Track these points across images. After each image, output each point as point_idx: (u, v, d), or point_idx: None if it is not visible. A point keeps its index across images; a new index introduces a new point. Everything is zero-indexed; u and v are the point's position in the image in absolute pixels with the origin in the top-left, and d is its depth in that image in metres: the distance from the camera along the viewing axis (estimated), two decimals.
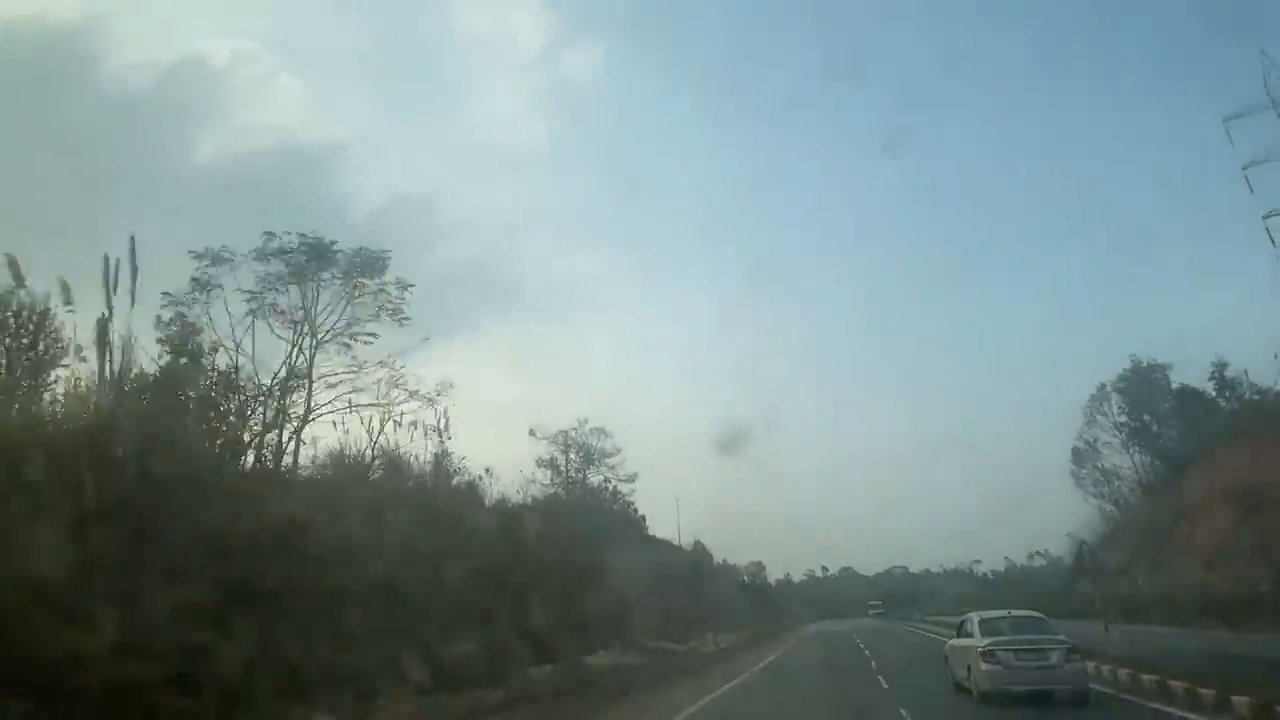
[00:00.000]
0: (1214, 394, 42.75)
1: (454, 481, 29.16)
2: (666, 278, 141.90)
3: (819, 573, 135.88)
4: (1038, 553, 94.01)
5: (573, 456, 56.43)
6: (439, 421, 25.08)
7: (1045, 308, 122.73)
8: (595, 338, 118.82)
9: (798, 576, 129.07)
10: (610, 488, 55.97)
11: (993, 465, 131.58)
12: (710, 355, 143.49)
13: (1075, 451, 51.91)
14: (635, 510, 58.30)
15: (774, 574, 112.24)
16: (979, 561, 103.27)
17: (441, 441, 25.48)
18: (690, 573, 62.43)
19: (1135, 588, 36.88)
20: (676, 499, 73.25)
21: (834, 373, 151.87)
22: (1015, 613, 16.49)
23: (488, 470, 30.82)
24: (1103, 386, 50.81)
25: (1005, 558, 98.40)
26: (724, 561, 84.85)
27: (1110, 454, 50.20)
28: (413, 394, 23.66)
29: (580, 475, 56.54)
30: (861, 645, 32.16)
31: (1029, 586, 63.98)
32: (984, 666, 14.01)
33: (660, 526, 65.61)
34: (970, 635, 15.56)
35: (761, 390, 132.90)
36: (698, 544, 73.94)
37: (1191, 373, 45.67)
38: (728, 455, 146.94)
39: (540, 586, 24.61)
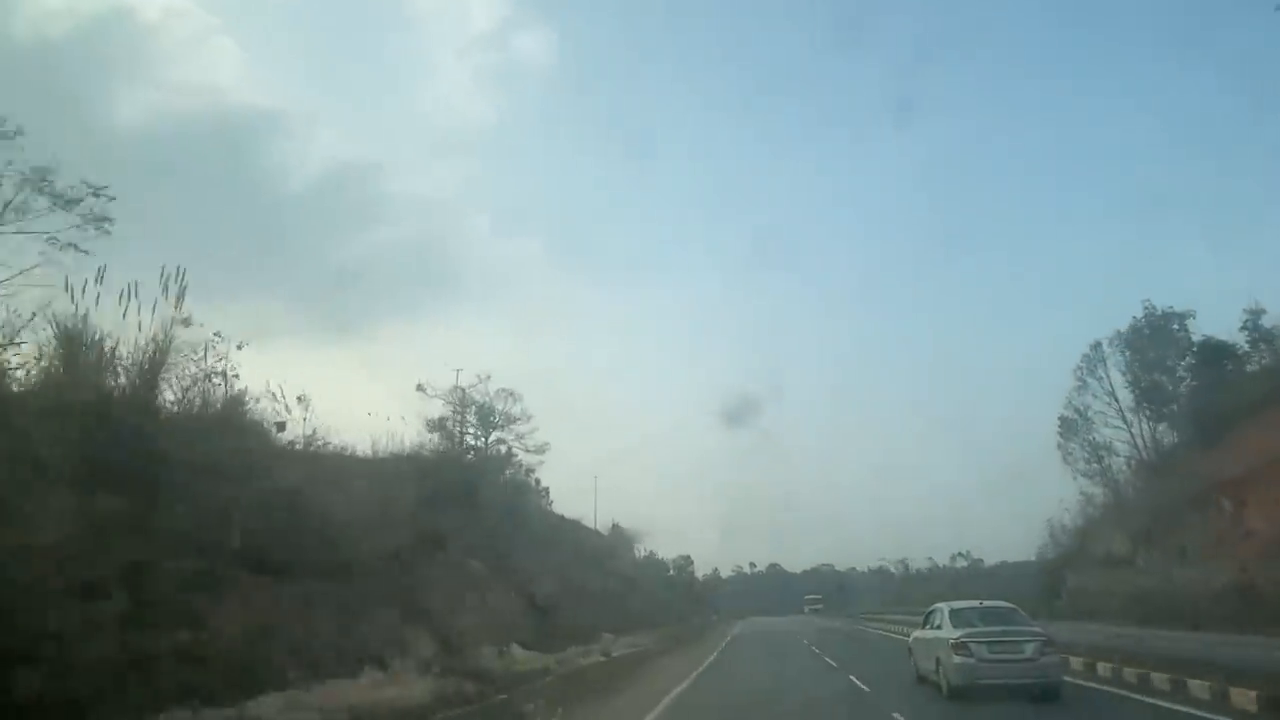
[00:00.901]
0: (1246, 348, 34.60)
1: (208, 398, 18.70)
2: (617, 267, 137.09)
3: (747, 569, 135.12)
4: (959, 554, 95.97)
5: (470, 418, 46.42)
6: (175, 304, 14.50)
7: (1044, 282, 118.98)
8: (543, 322, 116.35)
9: (726, 572, 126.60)
10: (502, 450, 45.60)
11: (944, 465, 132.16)
12: (663, 348, 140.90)
13: (1064, 422, 43.47)
14: (538, 482, 48.07)
15: (702, 569, 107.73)
16: (904, 561, 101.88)
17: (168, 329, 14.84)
18: (598, 560, 52.56)
19: (1168, 582, 28.11)
20: (595, 476, 63.27)
21: (787, 370, 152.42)
22: (987, 603, 15.60)
23: (300, 399, 21.05)
24: (1097, 345, 42.50)
25: (929, 558, 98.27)
26: (651, 554, 77.81)
27: (1104, 425, 41.97)
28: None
29: (480, 441, 46.62)
30: (832, 661, 22.27)
31: (993, 581, 55.70)
32: (956, 660, 13.23)
33: (606, 518, 60.50)
34: (939, 627, 14.79)
35: (712, 387, 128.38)
36: (616, 528, 64.08)
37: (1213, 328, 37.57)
38: (667, 450, 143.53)
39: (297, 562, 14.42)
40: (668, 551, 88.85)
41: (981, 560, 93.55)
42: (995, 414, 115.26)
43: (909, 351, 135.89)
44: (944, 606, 15.41)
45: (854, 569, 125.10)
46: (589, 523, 58.62)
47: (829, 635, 35.70)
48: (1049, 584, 40.37)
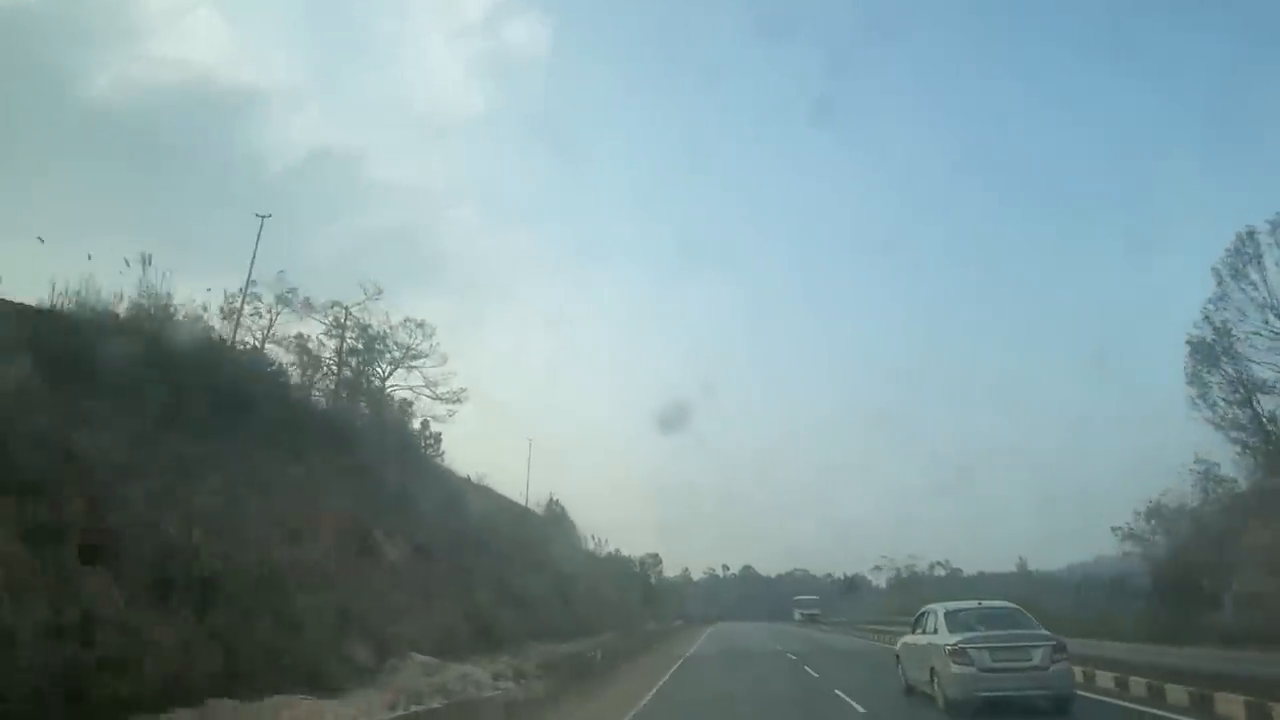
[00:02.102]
0: None
1: None
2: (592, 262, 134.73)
3: (719, 572, 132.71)
4: (938, 563, 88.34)
5: (350, 342, 32.59)
6: None
7: (981, 278, 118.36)
8: (516, 315, 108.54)
9: (697, 574, 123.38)
10: (360, 374, 31.12)
11: (910, 469, 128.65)
12: (634, 339, 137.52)
13: (1196, 348, 29.14)
14: (426, 425, 33.46)
15: (672, 570, 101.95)
16: (879, 568, 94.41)
17: None
18: (523, 545, 37.99)
19: None
20: (529, 439, 48.80)
21: (754, 367, 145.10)
22: (987, 603, 13.88)
23: None
24: (1250, 234, 28.25)
25: (911, 565, 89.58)
26: (616, 551, 68.03)
27: (1261, 348, 27.70)
28: None
29: (362, 371, 32.79)
30: None
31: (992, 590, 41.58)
32: (954, 669, 11.69)
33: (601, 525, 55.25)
34: (933, 631, 13.19)
35: (681, 383, 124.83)
36: (554, 508, 49.12)
37: None
38: (639, 449, 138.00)
39: None
40: (635, 550, 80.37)
41: (960, 569, 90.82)
42: (957, 422, 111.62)
43: (875, 361, 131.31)
44: (938, 608, 13.65)
45: (829, 575, 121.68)
46: (519, 499, 44.31)
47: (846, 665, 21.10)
48: (1182, 590, 26.06)
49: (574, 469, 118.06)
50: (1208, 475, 30.96)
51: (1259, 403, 28.34)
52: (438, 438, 33.17)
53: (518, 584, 31.59)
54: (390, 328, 33.43)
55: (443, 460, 32.80)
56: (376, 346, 33.02)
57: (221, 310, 25.25)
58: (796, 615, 70.77)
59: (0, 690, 6.72)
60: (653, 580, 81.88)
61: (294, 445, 18.32)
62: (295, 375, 27.40)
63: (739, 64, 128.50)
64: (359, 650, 12.63)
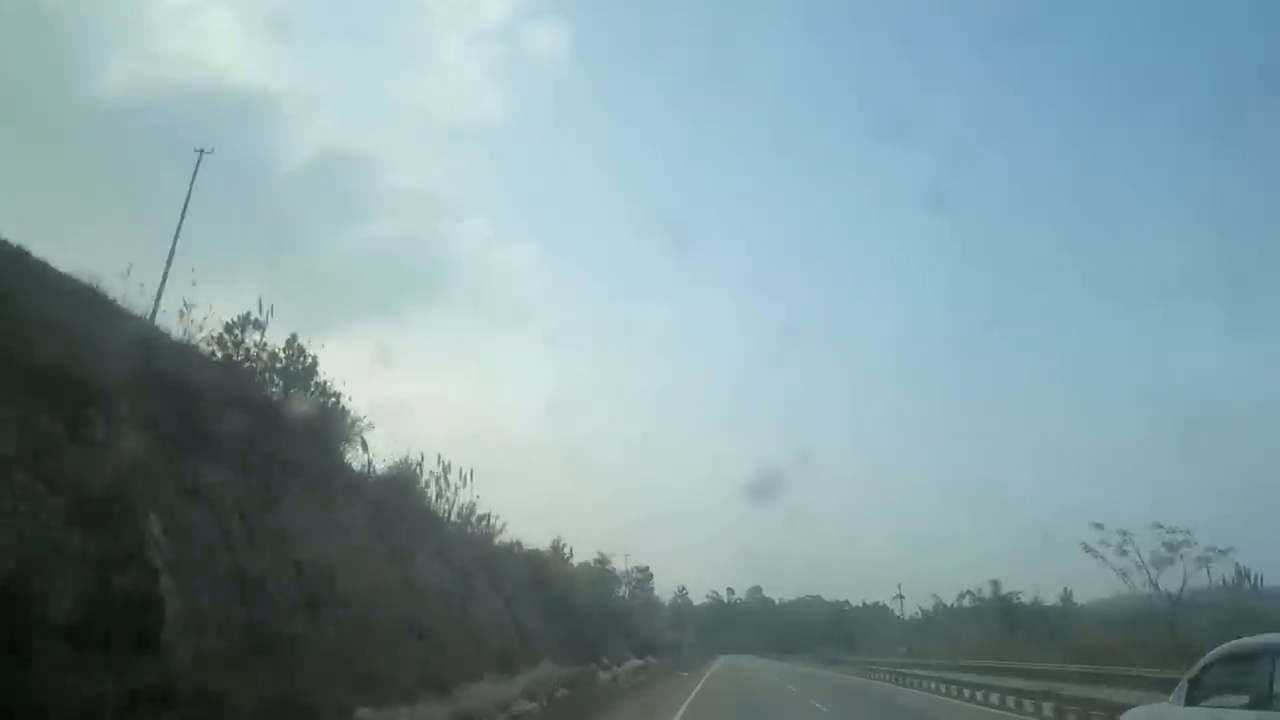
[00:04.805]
0: None
1: None
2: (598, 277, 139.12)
3: (723, 595, 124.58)
4: (969, 592, 70.08)
5: None
6: None
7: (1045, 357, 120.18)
8: (528, 338, 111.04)
9: (698, 599, 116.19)
10: None
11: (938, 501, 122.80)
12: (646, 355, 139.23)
13: None
14: None
15: (667, 592, 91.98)
16: (902, 597, 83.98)
17: None
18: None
19: None
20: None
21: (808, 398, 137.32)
22: None
23: None
24: None
25: (933, 595, 75.33)
26: (613, 560, 58.04)
27: None
28: None
29: None
30: None
31: None
32: None
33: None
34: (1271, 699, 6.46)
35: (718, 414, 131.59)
36: (320, 396, 20.26)
37: None
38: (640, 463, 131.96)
39: None
40: (626, 560, 67.61)
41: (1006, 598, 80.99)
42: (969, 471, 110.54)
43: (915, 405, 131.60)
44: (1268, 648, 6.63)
45: (847, 601, 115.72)
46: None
47: None
48: None
49: (570, 471, 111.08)
50: None
51: None
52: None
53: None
54: None
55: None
56: None
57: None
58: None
59: None
60: (620, 593, 61.58)
61: None
62: None
63: (854, 154, 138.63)
64: None
